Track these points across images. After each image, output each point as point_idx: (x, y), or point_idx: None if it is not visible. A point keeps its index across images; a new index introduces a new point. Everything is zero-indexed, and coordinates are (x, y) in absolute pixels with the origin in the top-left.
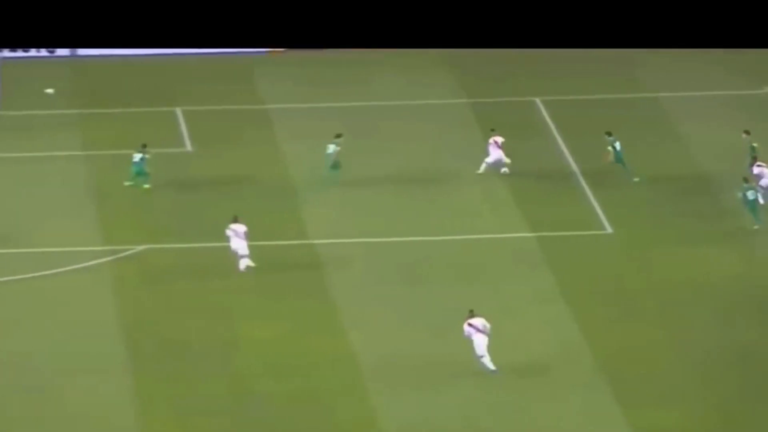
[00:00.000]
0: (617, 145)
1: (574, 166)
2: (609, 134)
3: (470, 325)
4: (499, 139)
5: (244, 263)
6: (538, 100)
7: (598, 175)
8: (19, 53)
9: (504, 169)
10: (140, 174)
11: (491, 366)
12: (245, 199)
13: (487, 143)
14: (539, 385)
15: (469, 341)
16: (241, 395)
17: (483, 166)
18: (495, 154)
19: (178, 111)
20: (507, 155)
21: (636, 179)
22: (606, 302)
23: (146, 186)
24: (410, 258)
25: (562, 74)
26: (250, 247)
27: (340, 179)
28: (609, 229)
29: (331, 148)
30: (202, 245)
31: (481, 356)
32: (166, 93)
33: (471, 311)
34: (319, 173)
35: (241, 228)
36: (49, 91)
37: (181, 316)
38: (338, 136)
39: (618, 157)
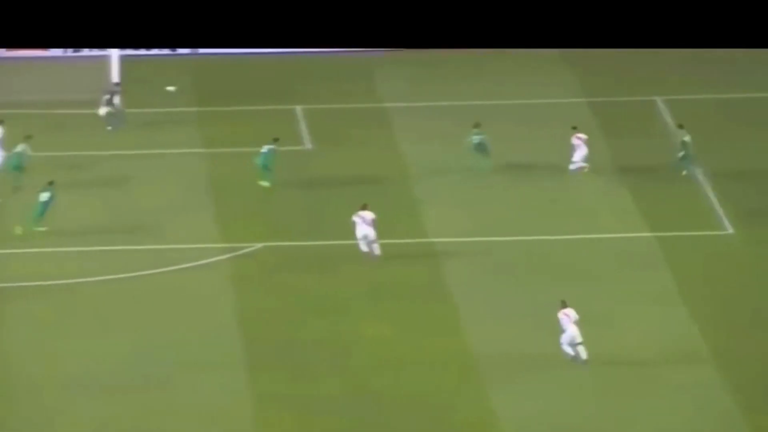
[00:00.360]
0: (687, 138)
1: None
2: (681, 127)
3: (566, 315)
4: (583, 136)
5: (376, 248)
6: (658, 99)
7: (719, 174)
8: (141, 51)
9: (576, 166)
10: (265, 167)
11: (569, 353)
12: (363, 197)
13: (571, 141)
14: (656, 386)
15: (561, 330)
16: (358, 394)
17: (579, 165)
18: (581, 150)
19: (298, 109)
20: (625, 155)
21: (684, 173)
22: (726, 304)
23: (264, 184)
24: (528, 257)
25: (684, 73)
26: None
27: (491, 165)
28: (729, 229)
29: (476, 138)
30: (321, 243)
31: (569, 344)
32: (286, 91)
33: (563, 302)
34: (437, 170)
35: (369, 215)
36: (171, 88)
37: (298, 313)
38: (477, 125)
39: (685, 149)
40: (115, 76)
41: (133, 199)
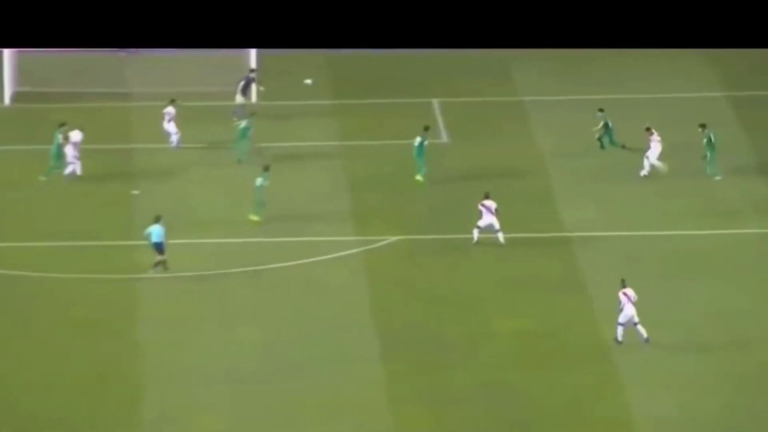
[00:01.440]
0: (712, 136)
1: None
2: (703, 126)
3: (624, 294)
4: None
5: (500, 237)
6: None
7: None
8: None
9: (644, 172)
10: (419, 158)
11: (644, 333)
12: (499, 190)
13: (648, 139)
14: None
15: (619, 308)
16: (490, 386)
17: (649, 165)
18: (655, 148)
19: (435, 102)
20: (762, 151)
21: (718, 177)
22: None
23: (418, 178)
24: (665, 253)
25: None
26: (493, 238)
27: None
28: None
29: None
30: (455, 236)
31: (621, 324)
32: (423, 85)
33: (623, 280)
34: (573, 164)
35: (492, 204)
36: (308, 81)
37: (432, 306)
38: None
39: (710, 149)
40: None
41: (270, 191)
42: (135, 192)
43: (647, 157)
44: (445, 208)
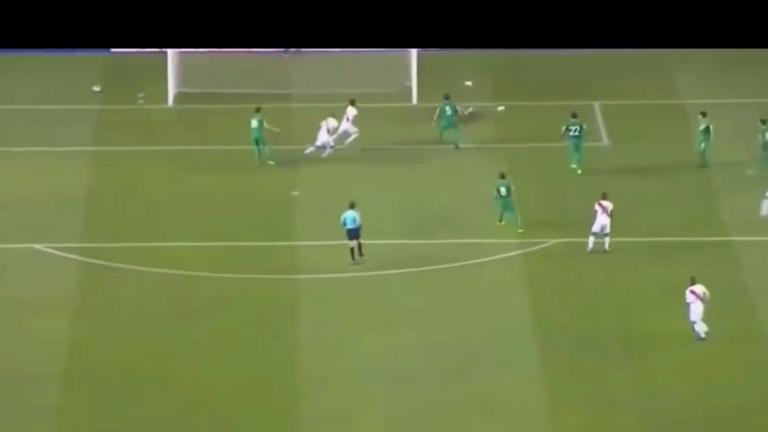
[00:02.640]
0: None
1: None
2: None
3: (692, 292)
4: None
5: (607, 242)
6: None
7: None
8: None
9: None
10: (577, 149)
11: (701, 333)
12: (660, 194)
13: None
14: None
15: (687, 306)
16: (650, 392)
17: None
18: None
19: (596, 105)
20: None
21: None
22: None
23: (576, 168)
24: None
25: None
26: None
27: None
28: None
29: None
30: (616, 240)
31: (694, 322)
32: (584, 87)
33: (692, 278)
34: (737, 169)
35: (609, 205)
36: (468, 83)
37: (592, 310)
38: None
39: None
40: (413, 71)
41: (432, 192)
42: (295, 193)
43: None
44: None
